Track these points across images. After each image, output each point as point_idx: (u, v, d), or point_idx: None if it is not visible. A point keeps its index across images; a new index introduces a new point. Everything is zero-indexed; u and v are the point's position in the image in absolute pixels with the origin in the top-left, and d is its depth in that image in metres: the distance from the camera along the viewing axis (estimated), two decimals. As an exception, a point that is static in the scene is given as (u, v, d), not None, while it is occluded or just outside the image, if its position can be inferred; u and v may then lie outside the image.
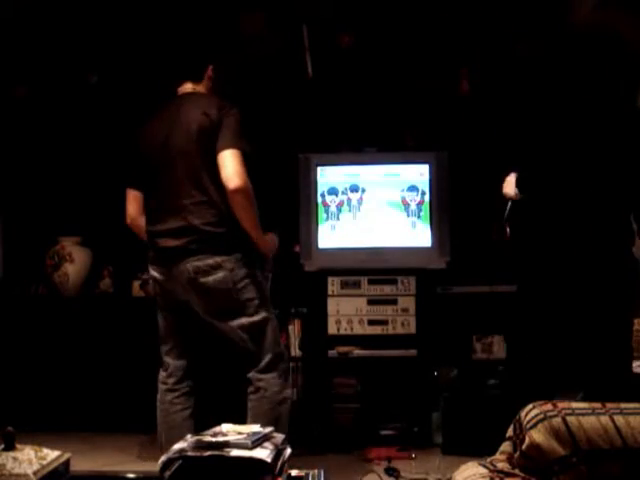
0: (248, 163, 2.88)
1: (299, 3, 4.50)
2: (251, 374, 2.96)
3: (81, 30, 4.81)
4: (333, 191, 4.33)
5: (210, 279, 2.88)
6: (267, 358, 2.95)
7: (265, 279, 3.09)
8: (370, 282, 4.30)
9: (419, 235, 4.31)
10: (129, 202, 3.16)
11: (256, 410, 2.90)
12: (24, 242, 4.90)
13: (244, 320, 2.93)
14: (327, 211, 4.34)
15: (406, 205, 4.32)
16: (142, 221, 3.10)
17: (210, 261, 2.87)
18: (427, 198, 4.30)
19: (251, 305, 2.94)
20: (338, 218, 4.34)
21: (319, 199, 4.32)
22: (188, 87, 3.12)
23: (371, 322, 4.28)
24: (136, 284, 4.69)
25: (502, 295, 4.19)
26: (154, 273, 3.03)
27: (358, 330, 4.27)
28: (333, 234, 4.33)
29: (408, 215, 4.32)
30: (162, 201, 2.99)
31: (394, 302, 4.27)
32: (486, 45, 4.60)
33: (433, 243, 4.28)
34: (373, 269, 4.28)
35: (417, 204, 4.32)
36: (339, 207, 4.35)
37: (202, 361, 3.17)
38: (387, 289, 4.29)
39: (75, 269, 4.75)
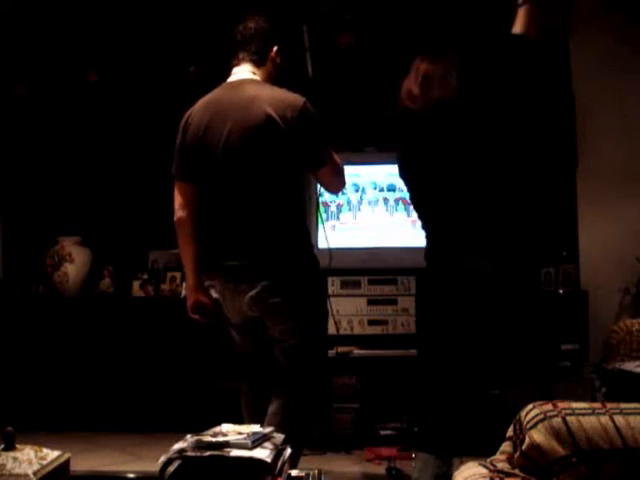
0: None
1: (299, 3, 4.50)
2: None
3: (81, 29, 4.81)
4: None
5: (277, 299, 2.66)
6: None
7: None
8: (370, 282, 4.30)
9: (419, 235, 4.29)
10: (179, 196, 2.78)
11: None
12: (24, 242, 4.90)
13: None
14: (327, 211, 4.34)
15: (406, 205, 4.32)
16: (191, 219, 2.76)
17: (275, 280, 2.65)
18: (427, 198, 4.29)
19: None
20: (338, 218, 4.35)
21: (319, 199, 4.32)
22: (245, 71, 2.78)
23: (371, 322, 4.28)
24: (136, 284, 4.69)
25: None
26: (218, 289, 2.75)
27: (358, 330, 4.28)
28: (333, 234, 4.33)
29: (408, 215, 4.32)
30: (222, 211, 2.70)
31: (394, 302, 4.27)
32: (485, 44, 4.60)
33: (433, 243, 4.27)
34: (373, 269, 4.29)
35: (417, 204, 4.31)
36: (339, 207, 4.35)
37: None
38: (387, 289, 4.29)
39: (75, 269, 4.75)
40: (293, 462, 2.56)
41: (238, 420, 1.97)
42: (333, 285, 4.29)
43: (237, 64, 2.79)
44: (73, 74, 4.90)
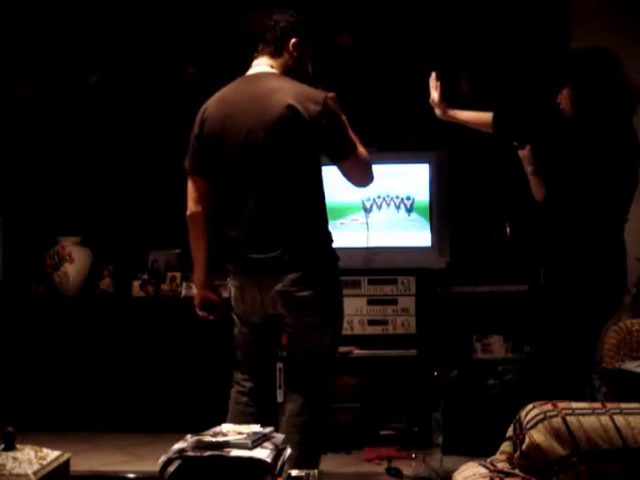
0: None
1: (299, 3, 4.50)
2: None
3: (81, 30, 4.82)
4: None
5: (305, 292, 2.61)
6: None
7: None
8: (370, 282, 4.30)
9: (419, 235, 4.31)
10: (193, 191, 2.73)
11: None
12: (24, 242, 4.90)
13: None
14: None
15: (406, 205, 4.32)
16: (205, 215, 2.73)
17: (303, 273, 2.61)
18: (427, 198, 4.29)
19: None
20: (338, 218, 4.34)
21: (319, 199, 4.31)
22: (263, 64, 2.73)
23: (371, 322, 4.28)
24: (136, 284, 4.69)
25: (502, 295, 4.19)
26: (237, 284, 2.72)
27: (358, 330, 4.27)
28: (333, 234, 4.32)
29: (408, 215, 4.32)
30: (241, 204, 2.65)
31: (394, 302, 4.27)
32: (486, 44, 4.60)
33: (433, 243, 4.28)
34: (373, 269, 4.28)
35: (417, 204, 4.31)
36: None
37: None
38: (387, 289, 4.29)
39: (75, 269, 4.75)
40: (315, 462, 2.59)
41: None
42: (333, 285, 4.29)
43: (256, 57, 2.76)
44: (73, 75, 4.90)
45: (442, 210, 4.27)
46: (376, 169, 4.40)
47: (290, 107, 2.55)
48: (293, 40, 2.71)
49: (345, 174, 2.77)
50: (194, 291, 2.99)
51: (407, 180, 4.34)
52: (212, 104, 2.72)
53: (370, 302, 4.28)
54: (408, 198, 4.32)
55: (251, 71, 2.75)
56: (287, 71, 2.72)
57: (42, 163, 4.98)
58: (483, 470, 1.44)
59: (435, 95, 3.16)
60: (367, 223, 4.30)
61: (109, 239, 4.89)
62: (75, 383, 4.51)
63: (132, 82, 4.89)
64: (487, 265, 4.37)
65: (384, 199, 4.33)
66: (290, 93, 2.59)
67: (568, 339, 2.83)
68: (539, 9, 4.52)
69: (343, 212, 4.31)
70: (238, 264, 2.70)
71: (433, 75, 3.19)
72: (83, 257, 4.80)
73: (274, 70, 2.71)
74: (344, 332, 4.29)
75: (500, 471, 1.42)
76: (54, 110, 4.96)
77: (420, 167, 4.33)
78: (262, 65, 2.72)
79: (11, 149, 4.96)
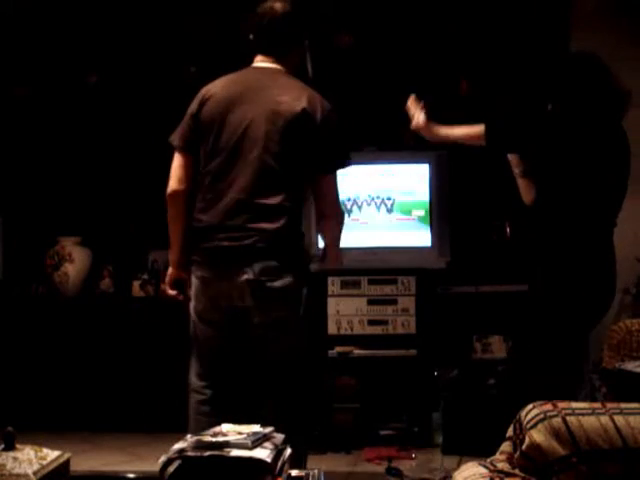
0: None
1: (299, 3, 4.50)
2: None
3: (81, 30, 4.81)
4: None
5: (276, 284, 2.56)
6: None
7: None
8: (370, 282, 4.30)
9: (419, 235, 4.31)
10: (178, 168, 2.69)
11: None
12: (24, 242, 4.90)
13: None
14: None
15: (406, 205, 4.32)
16: (187, 194, 2.68)
17: (274, 264, 2.56)
18: (427, 198, 4.30)
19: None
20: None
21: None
22: (269, 60, 2.69)
23: (371, 322, 4.28)
24: (136, 284, 4.69)
25: (502, 295, 4.19)
26: (202, 274, 2.64)
27: (358, 330, 4.27)
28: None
29: (408, 215, 4.32)
30: (225, 191, 2.59)
31: (394, 302, 4.27)
32: (486, 45, 4.60)
33: (433, 243, 4.28)
34: (373, 269, 4.28)
35: (417, 204, 4.31)
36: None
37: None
38: (387, 289, 4.29)
39: (75, 269, 4.75)
40: (299, 463, 2.53)
41: (238, 420, 1.96)
42: (333, 285, 4.29)
43: (262, 52, 2.72)
44: (73, 75, 4.90)
45: (442, 210, 4.28)
46: (376, 169, 4.46)
47: (304, 110, 2.55)
48: (304, 42, 2.75)
49: (321, 188, 2.67)
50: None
51: (407, 180, 4.34)
52: (218, 85, 2.69)
53: (370, 302, 4.28)
54: (408, 198, 4.32)
55: (260, 64, 2.72)
56: (293, 70, 2.72)
57: (42, 163, 4.98)
58: (483, 470, 1.44)
59: (420, 117, 3.00)
60: (367, 223, 4.30)
61: (109, 239, 4.90)
62: (75, 383, 4.51)
63: (132, 82, 4.89)
64: (487, 265, 4.36)
65: (384, 199, 4.33)
66: (304, 95, 2.59)
67: (552, 341, 2.82)
68: (539, 10, 4.52)
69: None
70: (205, 252, 2.62)
71: (412, 98, 3.06)
72: (83, 257, 4.80)
73: (283, 69, 2.69)
74: (344, 332, 4.34)
75: (500, 471, 1.42)
76: (54, 110, 4.96)
77: (420, 167, 4.33)
78: (270, 63, 2.70)
79: (11, 149, 4.96)
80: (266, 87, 2.62)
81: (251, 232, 2.55)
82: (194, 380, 2.71)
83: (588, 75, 2.82)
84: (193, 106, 2.70)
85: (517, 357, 3.16)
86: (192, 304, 2.70)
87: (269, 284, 2.54)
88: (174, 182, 2.69)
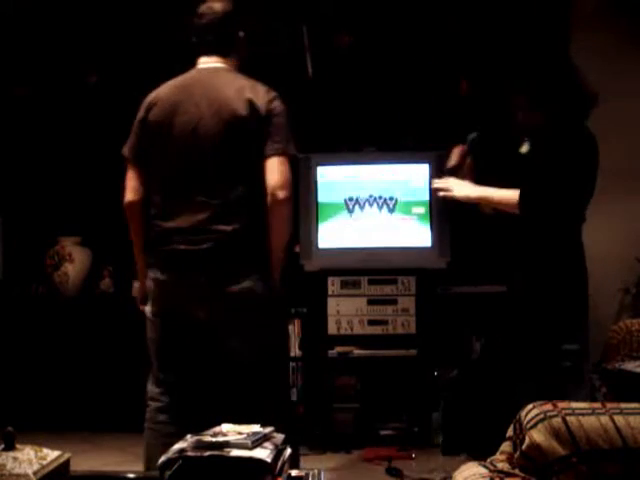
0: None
1: (299, 3, 4.51)
2: None
3: (81, 30, 4.81)
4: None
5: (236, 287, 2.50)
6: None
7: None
8: (370, 282, 4.30)
9: (419, 235, 4.31)
10: (131, 179, 2.66)
11: None
12: (24, 242, 4.90)
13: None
14: (327, 211, 4.33)
15: (406, 205, 4.32)
16: (143, 204, 2.65)
17: (235, 268, 2.50)
18: (427, 198, 4.29)
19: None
20: (338, 218, 4.34)
21: (319, 199, 4.32)
22: (213, 60, 2.68)
23: (371, 322, 4.28)
24: (136, 284, 4.69)
25: (502, 295, 4.18)
26: (158, 277, 2.59)
27: (358, 330, 4.27)
28: (333, 234, 4.33)
29: (408, 215, 4.32)
30: (180, 194, 2.56)
31: (394, 302, 4.27)
32: (486, 45, 4.60)
33: (433, 243, 4.28)
34: (373, 269, 4.28)
35: (417, 204, 4.31)
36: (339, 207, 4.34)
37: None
38: (387, 289, 4.29)
39: (75, 269, 4.75)
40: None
41: (238, 420, 1.96)
42: (333, 285, 4.29)
43: (205, 54, 2.70)
44: (73, 75, 4.90)
45: (442, 210, 4.27)
46: (376, 169, 4.46)
47: (249, 100, 2.52)
48: (240, 35, 2.70)
49: (270, 170, 2.54)
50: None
51: (407, 180, 4.34)
52: (163, 90, 2.67)
53: (370, 302, 4.28)
54: (408, 198, 4.32)
55: (204, 65, 2.70)
56: (238, 66, 2.70)
57: (42, 163, 4.98)
58: (483, 470, 1.44)
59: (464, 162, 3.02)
60: (367, 223, 4.31)
61: (109, 239, 4.89)
62: (75, 383, 4.51)
63: (132, 82, 4.89)
64: (487, 265, 4.36)
65: (384, 199, 4.33)
66: (247, 87, 2.56)
67: (531, 342, 2.80)
68: (539, 10, 4.52)
69: (343, 212, 4.32)
70: (162, 255, 2.57)
71: (460, 148, 3.06)
72: (83, 257, 4.80)
73: (226, 66, 2.67)
74: (344, 332, 4.34)
75: (500, 471, 1.42)
76: (54, 110, 4.96)
77: (420, 167, 4.33)
78: (213, 62, 2.67)
79: (11, 149, 4.96)
80: (210, 86, 2.59)
81: (208, 234, 2.50)
82: (150, 387, 2.65)
83: (555, 75, 2.81)
84: (140, 113, 2.70)
85: (490, 357, 3.16)
86: (147, 307, 2.64)
87: (227, 289, 2.49)
88: (129, 193, 2.67)
